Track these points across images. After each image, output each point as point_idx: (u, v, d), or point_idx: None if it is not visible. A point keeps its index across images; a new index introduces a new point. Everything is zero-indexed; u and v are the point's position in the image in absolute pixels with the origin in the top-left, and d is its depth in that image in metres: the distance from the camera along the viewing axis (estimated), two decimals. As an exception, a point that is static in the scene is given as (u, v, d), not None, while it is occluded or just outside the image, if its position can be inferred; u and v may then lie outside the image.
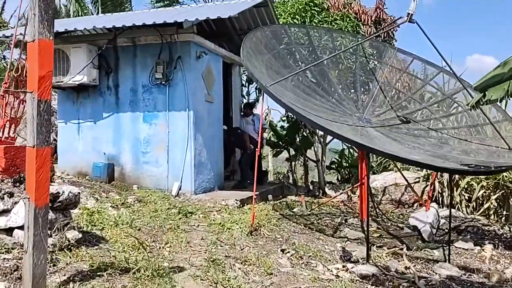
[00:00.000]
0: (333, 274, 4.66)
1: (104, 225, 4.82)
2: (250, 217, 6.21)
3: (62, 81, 7.58)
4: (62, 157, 8.33)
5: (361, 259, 5.19)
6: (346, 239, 5.95)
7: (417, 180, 9.01)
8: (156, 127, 7.78)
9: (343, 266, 4.93)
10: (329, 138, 11.85)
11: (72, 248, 3.63)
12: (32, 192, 2.81)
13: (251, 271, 4.31)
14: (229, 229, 5.57)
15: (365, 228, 6.64)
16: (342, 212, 7.87)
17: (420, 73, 7.95)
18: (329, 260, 5.10)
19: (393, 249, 5.60)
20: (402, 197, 9.22)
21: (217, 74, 8.52)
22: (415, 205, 8.94)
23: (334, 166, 13.28)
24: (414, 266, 5.07)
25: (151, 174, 7.78)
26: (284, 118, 15.69)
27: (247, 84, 12.66)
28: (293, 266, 4.68)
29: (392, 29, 10.97)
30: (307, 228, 6.34)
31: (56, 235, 3.51)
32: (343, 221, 6.92)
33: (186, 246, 4.70)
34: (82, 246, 3.88)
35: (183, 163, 7.56)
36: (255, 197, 6.41)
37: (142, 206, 6.47)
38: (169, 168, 7.67)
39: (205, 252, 4.59)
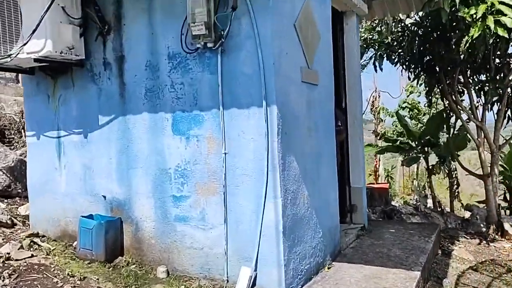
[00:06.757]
0: None
1: None
2: None
3: (5, 55, 3.64)
4: (34, 203, 4.41)
5: None
6: None
7: None
8: (199, 144, 3.57)
9: None
10: (503, 135, 7.13)
11: None
12: None
13: None
14: None
15: None
16: None
17: None
18: None
19: None
20: None
21: (324, 28, 4.12)
22: None
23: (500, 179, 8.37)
24: None
25: (193, 244, 3.61)
26: (405, 104, 10.94)
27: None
28: None
29: None
30: None
31: None
32: None
33: None
34: None
35: (259, 226, 3.31)
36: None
37: None
38: (228, 234, 3.46)
39: None
